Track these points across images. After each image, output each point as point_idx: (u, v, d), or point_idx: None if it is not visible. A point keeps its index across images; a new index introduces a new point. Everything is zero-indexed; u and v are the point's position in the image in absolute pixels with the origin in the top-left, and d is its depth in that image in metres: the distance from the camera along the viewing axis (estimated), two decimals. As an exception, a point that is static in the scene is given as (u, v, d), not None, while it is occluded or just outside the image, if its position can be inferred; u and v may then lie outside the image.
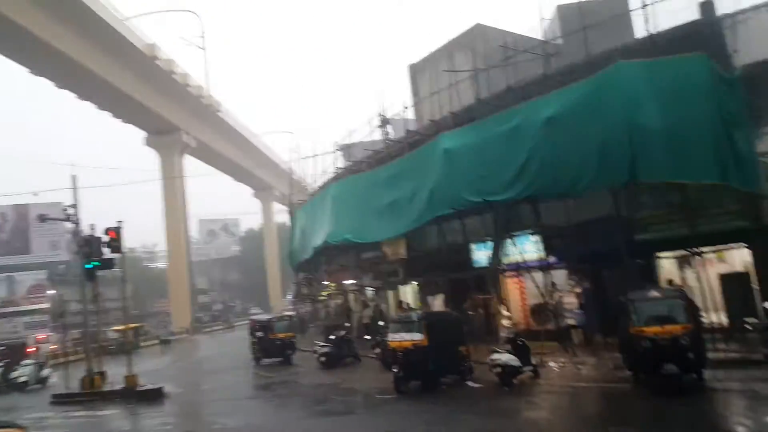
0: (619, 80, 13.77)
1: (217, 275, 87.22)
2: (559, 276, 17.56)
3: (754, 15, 15.09)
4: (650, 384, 11.38)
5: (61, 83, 44.03)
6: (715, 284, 13.72)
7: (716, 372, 11.59)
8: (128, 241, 22.27)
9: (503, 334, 14.86)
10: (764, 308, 13.42)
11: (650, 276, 15.19)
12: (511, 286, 20.04)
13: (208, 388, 19.35)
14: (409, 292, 26.05)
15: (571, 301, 17.23)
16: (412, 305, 24.02)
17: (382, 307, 26.24)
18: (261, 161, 67.49)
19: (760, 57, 14.06)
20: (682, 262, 15.27)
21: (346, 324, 25.22)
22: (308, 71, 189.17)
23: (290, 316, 29.14)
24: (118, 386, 18.02)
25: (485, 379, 13.56)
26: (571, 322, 16.70)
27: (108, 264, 19.72)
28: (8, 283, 49.35)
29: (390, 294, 27.00)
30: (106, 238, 18.53)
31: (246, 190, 79.14)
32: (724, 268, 15.01)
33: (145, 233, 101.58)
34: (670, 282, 15.09)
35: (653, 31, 14.47)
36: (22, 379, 22.25)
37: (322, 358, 19.75)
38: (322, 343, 20.61)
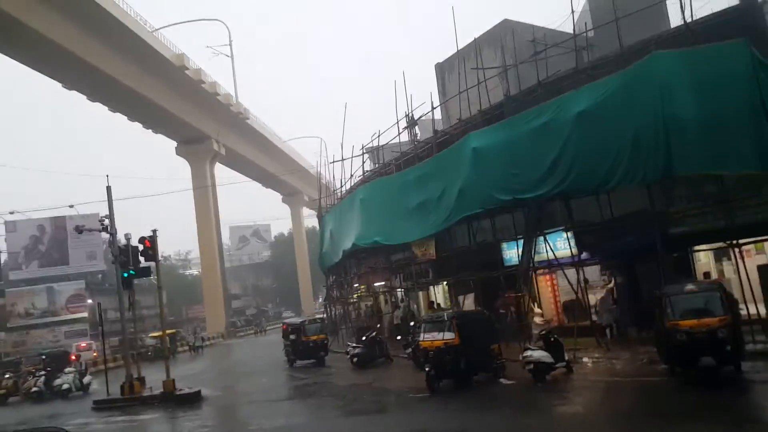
0: (653, 71, 13.59)
1: (250, 280, 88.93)
2: (592, 272, 17.47)
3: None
4: (686, 377, 11.34)
5: (94, 96, 45.65)
6: (754, 276, 13.47)
7: (755, 364, 11.48)
8: (163, 249, 23.13)
9: (535, 331, 14.87)
10: None
11: (685, 269, 15.03)
12: (543, 283, 20.02)
13: (244, 391, 19.84)
14: (439, 292, 26.18)
15: (604, 296, 17.19)
16: (443, 305, 24.16)
17: (412, 308, 26.43)
18: (289, 166, 68.53)
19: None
20: (719, 255, 15.04)
21: (377, 325, 25.50)
22: (334, 74, 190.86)
23: (322, 318, 29.58)
24: (157, 391, 18.57)
25: (518, 377, 13.67)
26: (604, 320, 16.70)
27: (144, 272, 20.47)
28: (49, 293, 51.12)
29: (420, 294, 27.18)
30: (141, 247, 19.19)
31: (275, 196, 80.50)
32: (762, 260, 14.75)
33: (179, 241, 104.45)
34: (706, 275, 14.90)
35: (689, 19, 14.14)
36: (65, 386, 22.97)
37: (355, 359, 20.10)
38: (353, 345, 20.94)
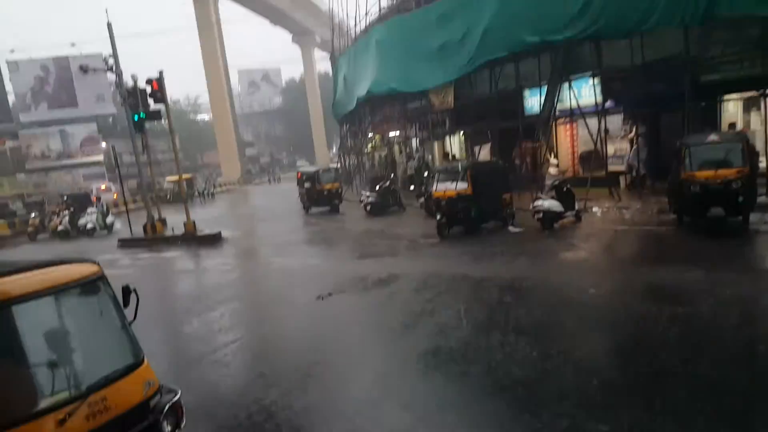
0: None
1: (263, 128, 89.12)
2: (614, 123, 17.36)
3: None
4: (694, 227, 11.84)
5: None
6: (779, 128, 13.41)
7: (764, 215, 11.89)
8: (171, 93, 22.98)
9: (549, 181, 15.26)
10: None
11: (711, 120, 14.90)
12: (562, 133, 20.03)
13: (263, 234, 20.96)
14: (455, 143, 26.33)
15: (623, 146, 17.31)
16: (458, 156, 24.45)
17: (427, 159, 26.78)
18: (299, 1, 64.93)
19: None
20: (748, 106, 14.76)
21: (391, 175, 26.08)
22: None
23: (336, 167, 30.17)
24: (179, 232, 19.79)
25: (527, 225, 14.36)
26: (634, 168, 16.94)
27: (155, 115, 20.60)
28: (62, 136, 52.37)
29: (435, 145, 27.37)
30: (149, 89, 19.15)
31: (285, 37, 77.32)
32: (792, 111, 14.50)
33: (187, 87, 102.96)
34: (732, 126, 14.81)
35: None
36: (89, 225, 24.48)
37: (368, 207, 20.96)
38: (367, 193, 21.70)
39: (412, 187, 23.78)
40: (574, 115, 17.72)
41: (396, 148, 31.03)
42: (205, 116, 77.55)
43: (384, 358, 6.87)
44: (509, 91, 19.12)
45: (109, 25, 20.40)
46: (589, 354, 6.27)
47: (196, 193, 40.94)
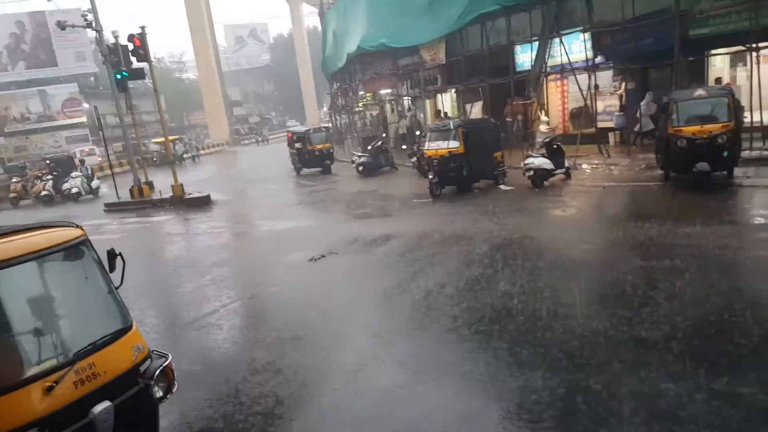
0: None
1: (251, 86, 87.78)
2: (603, 79, 17.42)
3: None
4: (680, 182, 12.14)
5: None
6: (766, 83, 13.52)
7: (747, 169, 12.22)
8: (155, 51, 22.55)
9: (539, 139, 15.44)
10: None
11: (698, 75, 15.04)
12: (553, 90, 20.10)
13: (253, 196, 21.05)
14: (447, 101, 26.30)
15: (612, 103, 17.45)
16: (450, 114, 24.47)
17: (419, 117, 26.77)
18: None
19: None
20: (735, 60, 14.84)
21: (383, 134, 26.10)
22: None
23: (327, 127, 30.09)
24: (167, 195, 19.86)
25: (518, 183, 14.63)
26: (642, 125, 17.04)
27: (138, 74, 20.19)
28: (42, 96, 51.42)
29: (427, 103, 27.31)
30: (131, 47, 18.81)
31: (272, -10, 75.34)
32: (777, 66, 14.64)
33: (171, 41, 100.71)
34: (718, 80, 14.97)
35: None
36: (74, 190, 24.34)
37: (360, 168, 21.11)
38: (359, 154, 21.77)
39: (404, 146, 23.85)
40: (565, 70, 17.76)
41: (387, 106, 30.93)
42: (190, 75, 76.29)
43: (378, 317, 7.07)
44: (500, 47, 19.07)
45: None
46: (581, 309, 6.42)
47: (184, 156, 40.68)
